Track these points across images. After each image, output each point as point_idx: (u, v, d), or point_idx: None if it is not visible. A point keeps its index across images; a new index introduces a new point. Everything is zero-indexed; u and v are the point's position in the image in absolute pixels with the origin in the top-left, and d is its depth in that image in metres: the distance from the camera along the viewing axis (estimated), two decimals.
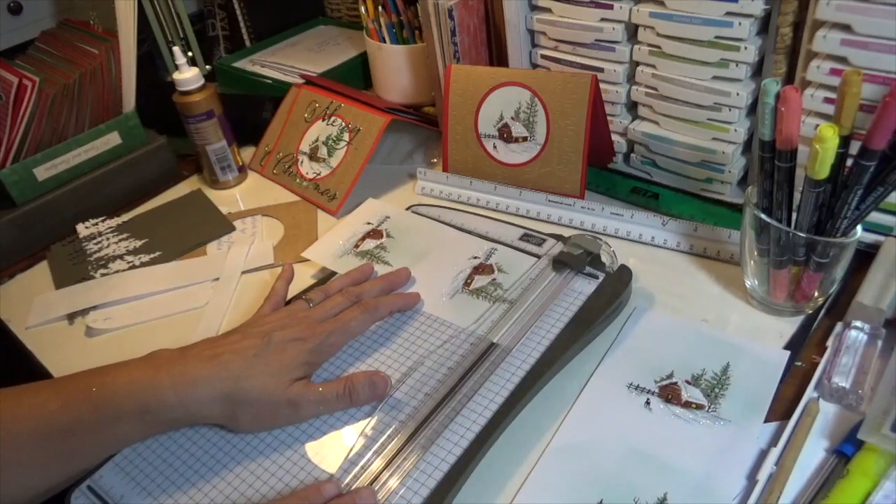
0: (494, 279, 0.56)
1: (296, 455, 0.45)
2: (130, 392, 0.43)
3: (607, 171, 0.69)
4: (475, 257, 0.59)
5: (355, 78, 0.91)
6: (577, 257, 0.54)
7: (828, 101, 0.51)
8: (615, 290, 0.52)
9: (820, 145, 0.43)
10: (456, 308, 0.54)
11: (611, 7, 0.60)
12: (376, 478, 0.42)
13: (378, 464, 0.43)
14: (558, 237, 0.59)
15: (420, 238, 0.63)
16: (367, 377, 0.47)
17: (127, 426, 0.43)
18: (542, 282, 0.55)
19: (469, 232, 0.63)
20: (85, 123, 0.73)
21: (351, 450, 0.44)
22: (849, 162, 0.45)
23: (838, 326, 0.50)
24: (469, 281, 0.57)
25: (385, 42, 0.82)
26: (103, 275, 0.64)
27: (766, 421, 0.45)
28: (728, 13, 0.54)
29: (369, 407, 0.47)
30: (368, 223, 0.66)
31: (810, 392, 0.46)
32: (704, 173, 0.63)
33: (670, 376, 0.48)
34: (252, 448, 0.46)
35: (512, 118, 0.66)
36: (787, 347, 0.50)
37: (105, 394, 0.42)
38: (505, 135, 0.67)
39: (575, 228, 0.64)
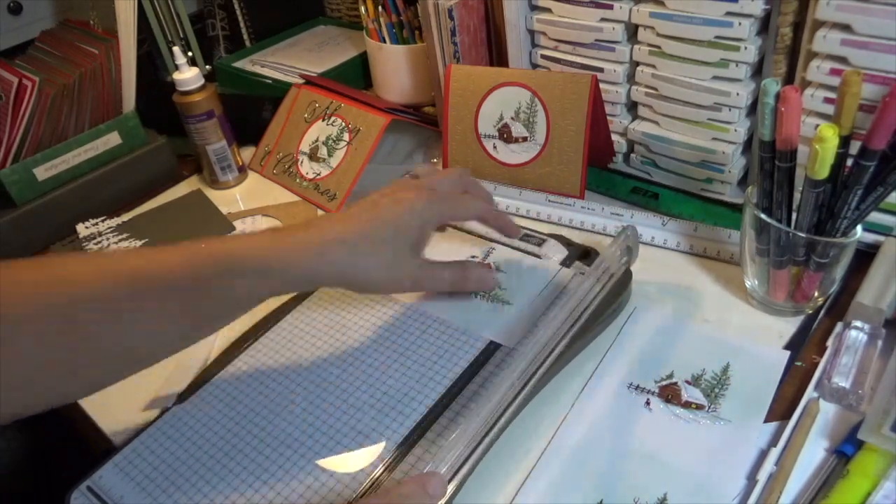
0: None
1: (295, 455, 0.45)
2: (253, 251, 0.44)
3: (607, 171, 0.69)
4: (473, 256, 0.59)
5: (355, 78, 0.91)
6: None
7: (828, 101, 0.51)
8: (615, 290, 0.52)
9: (820, 145, 0.43)
10: (455, 308, 0.54)
11: (611, 7, 0.60)
12: (378, 479, 0.42)
13: (381, 467, 0.43)
14: (558, 237, 0.59)
15: None
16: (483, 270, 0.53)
17: (248, 284, 0.44)
18: (543, 282, 0.55)
19: (468, 232, 0.63)
20: (85, 123, 0.73)
21: (354, 453, 0.44)
22: (849, 162, 0.45)
23: (838, 326, 0.50)
24: None
25: (385, 42, 0.82)
26: None
27: (765, 421, 0.45)
28: (728, 13, 0.54)
29: (373, 410, 0.47)
30: None
31: (810, 392, 0.46)
32: (704, 173, 0.63)
33: (670, 376, 0.48)
34: (252, 448, 0.46)
35: (512, 118, 0.66)
36: (787, 347, 0.50)
37: (227, 252, 0.43)
38: (505, 135, 0.67)
39: (575, 228, 0.64)
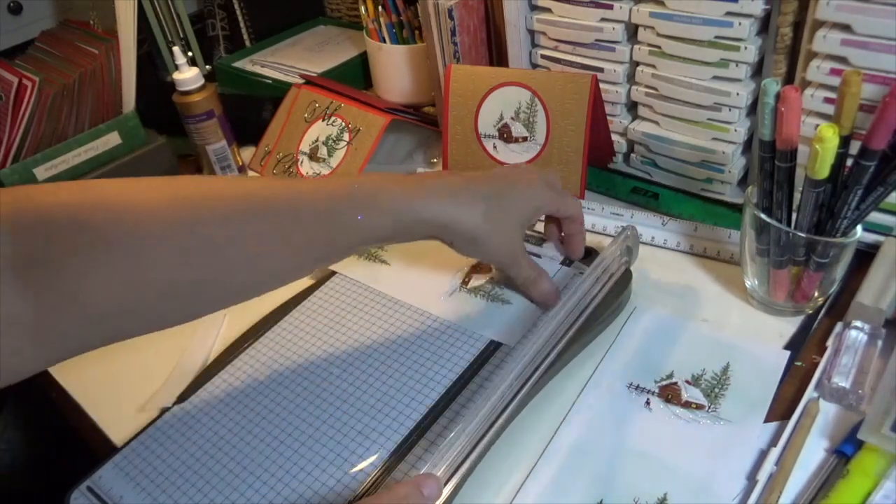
0: (492, 277, 0.56)
1: (295, 455, 0.45)
2: (387, 188, 0.45)
3: (607, 171, 0.69)
4: None
5: (355, 78, 0.91)
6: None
7: (828, 101, 0.51)
8: (615, 290, 0.52)
9: (820, 145, 0.43)
10: (454, 307, 0.54)
11: (611, 7, 0.60)
12: (378, 480, 0.42)
13: (380, 467, 0.43)
14: None
15: None
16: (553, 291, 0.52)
17: (378, 220, 0.44)
18: None
19: None
20: (85, 123, 0.73)
21: (353, 453, 0.44)
22: (849, 162, 0.45)
23: (838, 326, 0.50)
24: (467, 279, 0.57)
25: (385, 42, 0.82)
26: None
27: (766, 421, 0.45)
28: (728, 13, 0.54)
29: (373, 410, 0.47)
30: None
31: (810, 392, 0.46)
32: (704, 173, 0.63)
33: (670, 376, 0.48)
34: (252, 448, 0.46)
35: (512, 118, 0.66)
36: (787, 347, 0.50)
37: (362, 187, 0.44)
38: (505, 135, 0.67)
39: None
